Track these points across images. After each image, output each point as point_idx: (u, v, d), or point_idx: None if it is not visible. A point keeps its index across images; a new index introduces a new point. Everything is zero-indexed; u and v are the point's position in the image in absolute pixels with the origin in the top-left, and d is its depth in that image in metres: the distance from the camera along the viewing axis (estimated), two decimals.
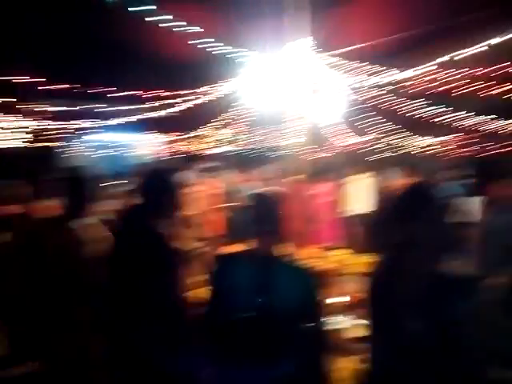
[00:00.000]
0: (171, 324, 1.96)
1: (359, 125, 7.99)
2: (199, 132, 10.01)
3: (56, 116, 7.73)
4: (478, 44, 4.14)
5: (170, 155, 12.02)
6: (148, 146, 12.87)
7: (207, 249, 4.61)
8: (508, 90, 5.68)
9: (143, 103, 7.11)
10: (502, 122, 7.20)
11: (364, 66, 4.83)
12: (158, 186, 2.13)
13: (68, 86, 5.96)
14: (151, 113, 6.70)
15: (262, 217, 1.73)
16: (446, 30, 5.40)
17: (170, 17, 3.22)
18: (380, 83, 5.41)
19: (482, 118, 7.09)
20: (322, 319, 1.81)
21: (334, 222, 7.75)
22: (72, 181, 2.37)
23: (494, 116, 7.22)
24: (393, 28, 5.78)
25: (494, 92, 5.82)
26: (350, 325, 3.63)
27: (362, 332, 3.48)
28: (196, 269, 2.88)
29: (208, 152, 11.58)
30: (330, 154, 10.46)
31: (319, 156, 10.08)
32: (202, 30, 3.58)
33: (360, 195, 7.44)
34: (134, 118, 7.22)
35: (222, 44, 3.85)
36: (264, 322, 1.63)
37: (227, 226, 7.68)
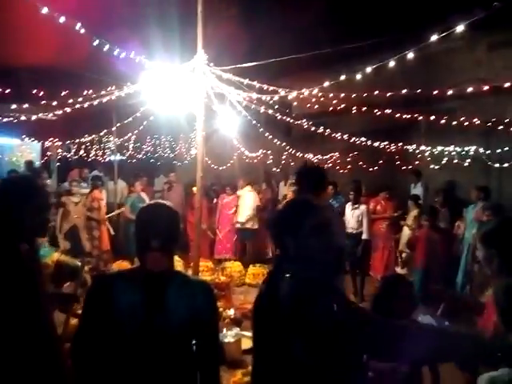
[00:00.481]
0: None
1: (250, 140, 8.29)
2: (85, 139, 9.29)
3: None
4: (357, 71, 4.62)
5: (46, 162, 10.89)
6: (22, 152, 11.48)
7: (87, 267, 4.22)
8: (387, 113, 6.48)
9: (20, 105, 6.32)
10: (378, 143, 8.16)
11: (254, 83, 5.02)
12: (20, 200, 1.73)
13: None
14: (24, 116, 5.96)
15: (151, 231, 1.60)
16: (331, 56, 5.97)
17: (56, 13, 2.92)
18: (269, 101, 5.69)
19: (360, 138, 7.96)
20: (218, 334, 1.77)
21: (229, 234, 7.91)
22: None
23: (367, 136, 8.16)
24: (282, 49, 6.19)
25: (375, 114, 6.58)
26: (240, 337, 3.71)
27: (249, 343, 3.57)
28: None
29: (91, 160, 10.80)
30: (224, 167, 10.69)
31: (214, 168, 10.26)
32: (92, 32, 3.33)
33: (246, 207, 7.73)
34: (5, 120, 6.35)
35: (115, 49, 3.62)
36: (155, 343, 1.52)
37: (112, 241, 7.19)
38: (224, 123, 5.79)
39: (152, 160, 12.21)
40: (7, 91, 4.87)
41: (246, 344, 3.58)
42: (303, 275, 1.36)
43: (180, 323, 1.53)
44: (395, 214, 6.86)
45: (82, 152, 10.40)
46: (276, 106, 6.39)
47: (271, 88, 5.58)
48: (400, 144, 8.23)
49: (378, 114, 6.76)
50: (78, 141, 9.12)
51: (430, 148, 8.23)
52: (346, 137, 8.10)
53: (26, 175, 1.99)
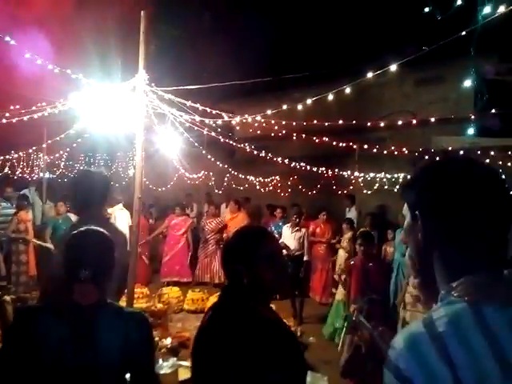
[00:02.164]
0: None
1: (193, 161, 8.22)
2: (11, 155, 8.62)
3: None
4: (296, 99, 4.82)
5: None
6: None
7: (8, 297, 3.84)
8: (324, 141, 6.79)
9: None
10: (316, 168, 8.49)
11: (197, 106, 5.02)
12: None
13: None
14: None
15: (80, 261, 1.48)
16: (272, 83, 6.17)
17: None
18: (211, 124, 5.71)
19: (300, 163, 8.24)
20: (153, 367, 1.67)
21: (177, 257, 7.66)
22: None
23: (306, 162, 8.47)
24: (224, 75, 6.30)
25: (313, 141, 6.88)
26: (177, 367, 3.55)
27: (187, 374, 3.43)
28: None
29: (17, 177, 10.03)
30: (163, 188, 10.45)
31: (153, 189, 9.99)
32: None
33: None
34: None
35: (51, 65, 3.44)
36: (84, 381, 1.41)
37: (39, 269, 6.60)
38: (165, 144, 5.68)
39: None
40: None
41: (183, 374, 3.43)
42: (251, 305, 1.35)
43: (111, 358, 1.43)
44: (333, 241, 7.09)
45: (6, 169, 9.62)
46: (219, 129, 6.44)
47: (214, 111, 5.62)
48: (336, 170, 8.66)
49: (317, 141, 7.10)
50: (1, 158, 8.43)
51: (362, 174, 8.76)
52: (286, 161, 8.36)
53: None
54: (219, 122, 5.50)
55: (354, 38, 9.01)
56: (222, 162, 8.75)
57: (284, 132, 7.03)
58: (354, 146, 7.92)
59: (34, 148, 7.72)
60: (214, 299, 5.66)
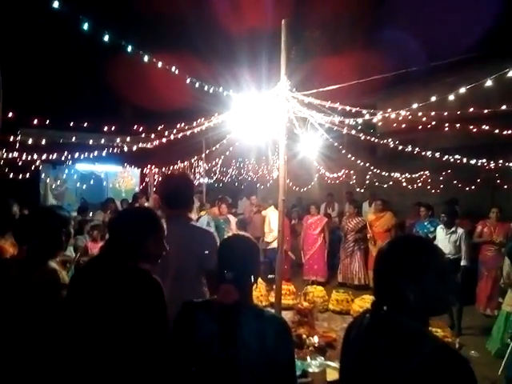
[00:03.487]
0: None
1: (332, 160, 8.20)
2: (177, 165, 10.09)
3: (28, 147, 7.61)
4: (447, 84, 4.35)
5: (144, 188, 12.00)
6: (124, 178, 12.86)
7: None
8: (483, 129, 5.97)
9: (120, 136, 7.18)
10: (475, 160, 7.50)
11: (336, 106, 5.00)
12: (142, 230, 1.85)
13: (41, 117, 5.92)
14: (126, 146, 6.71)
15: (226, 263, 1.63)
16: (418, 74, 5.70)
17: (153, 58, 3.30)
18: (352, 123, 5.60)
19: (454, 155, 7.38)
20: (295, 369, 1.66)
21: (315, 256, 7.82)
22: (43, 222, 2.22)
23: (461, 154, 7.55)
24: (363, 71, 6.10)
25: (470, 130, 6.11)
26: (325, 367, 3.59)
27: (335, 375, 3.44)
28: None
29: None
30: (305, 189, 10.70)
31: (296, 190, 10.33)
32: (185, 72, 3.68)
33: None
34: (110, 151, 7.22)
35: (204, 85, 3.94)
36: (226, 377, 1.51)
37: None
38: (306, 146, 5.83)
39: (236, 183, 12.74)
40: (113, 128, 5.56)
41: (332, 375, 3.46)
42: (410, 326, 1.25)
43: (251, 358, 1.50)
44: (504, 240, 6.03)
45: None
46: (359, 127, 6.26)
47: (354, 109, 5.49)
48: (501, 161, 7.46)
49: (475, 130, 6.25)
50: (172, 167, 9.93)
51: None
52: (437, 154, 7.57)
53: (149, 208, 2.23)
54: (360, 120, 5.36)
55: None
56: (363, 160, 8.47)
57: (434, 123, 6.40)
58: None
59: (195, 158, 8.92)
60: (359, 302, 5.54)
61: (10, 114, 5.11)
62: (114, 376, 1.66)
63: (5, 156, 7.28)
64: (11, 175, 8.06)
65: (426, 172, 9.35)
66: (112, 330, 1.67)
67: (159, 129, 5.50)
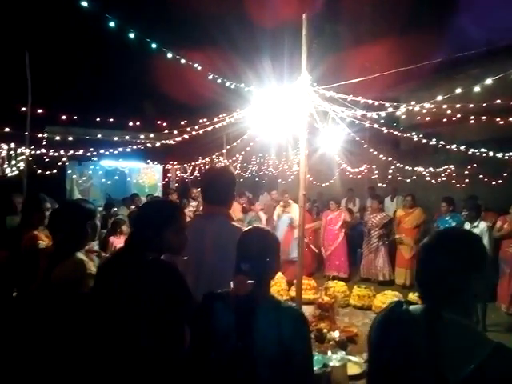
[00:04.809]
0: None
1: (354, 155, 8.12)
2: (199, 161, 10.22)
3: (55, 143, 7.86)
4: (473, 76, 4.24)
5: (167, 183, 12.20)
6: (147, 174, 13.10)
7: None
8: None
9: (143, 132, 7.33)
10: (502, 153, 7.27)
11: (358, 99, 4.95)
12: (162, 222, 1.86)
13: (68, 114, 6.10)
14: (148, 142, 6.84)
15: (243, 255, 1.65)
16: (441, 66, 5.57)
17: (177, 56, 3.36)
18: (374, 116, 5.53)
19: (478, 149, 7.18)
20: (311, 360, 1.68)
21: (336, 251, 7.78)
22: (69, 215, 2.29)
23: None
24: (387, 63, 5.99)
25: (497, 123, 5.94)
26: (346, 362, 3.59)
27: (356, 369, 3.44)
28: None
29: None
30: (326, 183, 10.64)
31: (316, 184, 10.28)
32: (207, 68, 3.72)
33: None
34: (134, 147, 7.38)
35: (226, 81, 3.98)
36: (242, 368, 1.53)
37: None
38: (326, 140, 5.79)
39: (257, 178, 12.76)
40: (137, 123, 5.68)
41: (353, 370, 3.46)
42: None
43: (267, 348, 1.52)
44: None
45: (196, 173, 11.40)
46: (382, 121, 6.17)
47: (377, 102, 5.42)
48: None
49: (502, 122, 6.06)
50: (193, 163, 10.06)
51: None
52: (462, 148, 7.39)
53: (170, 201, 2.18)
54: (383, 113, 5.28)
55: None
56: (385, 154, 8.35)
57: (459, 115, 6.24)
58: None
59: (216, 153, 8.99)
60: (381, 297, 5.50)
61: (40, 111, 5.29)
62: (136, 364, 1.72)
63: (33, 152, 7.52)
64: (39, 171, 8.33)
65: (451, 166, 9.14)
66: (132, 321, 1.72)
67: (182, 124, 5.59)
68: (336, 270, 7.77)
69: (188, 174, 11.51)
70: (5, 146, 6.93)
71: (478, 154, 7.42)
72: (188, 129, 5.46)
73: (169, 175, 11.96)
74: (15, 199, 4.40)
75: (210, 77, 3.77)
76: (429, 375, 1.19)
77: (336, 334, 4.24)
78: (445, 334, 1.20)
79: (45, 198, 3.16)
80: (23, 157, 7.32)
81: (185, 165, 10.73)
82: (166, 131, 5.94)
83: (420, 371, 1.22)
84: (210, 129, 5.24)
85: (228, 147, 8.17)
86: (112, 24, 2.89)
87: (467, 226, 5.64)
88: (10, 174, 7.43)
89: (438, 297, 1.27)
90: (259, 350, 1.52)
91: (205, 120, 5.26)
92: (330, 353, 3.70)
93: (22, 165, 7.41)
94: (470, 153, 7.46)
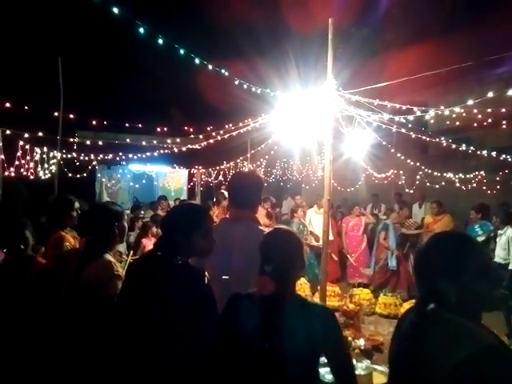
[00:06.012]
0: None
1: (380, 160, 7.99)
2: (223, 165, 10.32)
3: (85, 148, 8.11)
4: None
5: (192, 187, 12.36)
6: (173, 178, 13.32)
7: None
8: None
9: (170, 137, 7.47)
10: None
11: (385, 103, 4.87)
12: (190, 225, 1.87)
13: (98, 119, 6.29)
14: (175, 147, 6.96)
15: (266, 256, 1.65)
16: (472, 69, 5.41)
17: (204, 62, 3.41)
18: (401, 121, 5.42)
19: (510, 155, 6.93)
20: (347, 347, 1.73)
21: (360, 257, 7.64)
22: (97, 216, 2.31)
23: None
24: (413, 67, 5.88)
25: None
26: (371, 370, 3.51)
27: (381, 379, 3.36)
28: None
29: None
30: (352, 189, 10.50)
31: (341, 190, 10.16)
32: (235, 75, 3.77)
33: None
34: (161, 152, 7.51)
35: (252, 86, 4.01)
36: (270, 368, 1.54)
37: None
38: (352, 145, 5.72)
39: (281, 183, 12.74)
40: (165, 129, 5.80)
41: (378, 380, 3.37)
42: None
43: (297, 345, 1.52)
44: None
45: (220, 177, 11.50)
46: (410, 125, 6.05)
47: (404, 107, 5.32)
48: None
49: None
50: (217, 168, 10.16)
51: None
52: (494, 153, 7.14)
53: (195, 205, 2.17)
54: (411, 118, 5.18)
55: None
56: (413, 160, 8.17)
57: (490, 120, 6.05)
58: None
59: (240, 158, 9.05)
60: (408, 306, 5.37)
61: (71, 116, 5.46)
62: (163, 365, 1.73)
63: (64, 156, 7.79)
64: (69, 174, 8.60)
65: (482, 172, 8.84)
66: (159, 324, 1.73)
67: (207, 129, 5.67)
68: (360, 277, 7.63)
69: (213, 178, 11.63)
70: (38, 150, 7.20)
71: (509, 159, 7.16)
72: (213, 134, 5.54)
73: (194, 179, 12.12)
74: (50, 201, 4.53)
75: (237, 82, 3.80)
76: (423, 372, 1.22)
77: (361, 342, 4.17)
78: (433, 333, 1.24)
79: (74, 199, 3.24)
80: (55, 160, 7.58)
81: (210, 169, 10.84)
82: (192, 136, 6.04)
83: (417, 368, 1.25)
84: (234, 134, 5.29)
85: (252, 151, 8.21)
86: (141, 30, 2.96)
87: (499, 232, 5.47)
88: (42, 177, 7.70)
89: (426, 296, 1.32)
90: (289, 349, 1.52)
91: (230, 125, 5.31)
92: (355, 361, 3.63)
93: (53, 168, 7.67)
94: (501, 158, 7.22)
